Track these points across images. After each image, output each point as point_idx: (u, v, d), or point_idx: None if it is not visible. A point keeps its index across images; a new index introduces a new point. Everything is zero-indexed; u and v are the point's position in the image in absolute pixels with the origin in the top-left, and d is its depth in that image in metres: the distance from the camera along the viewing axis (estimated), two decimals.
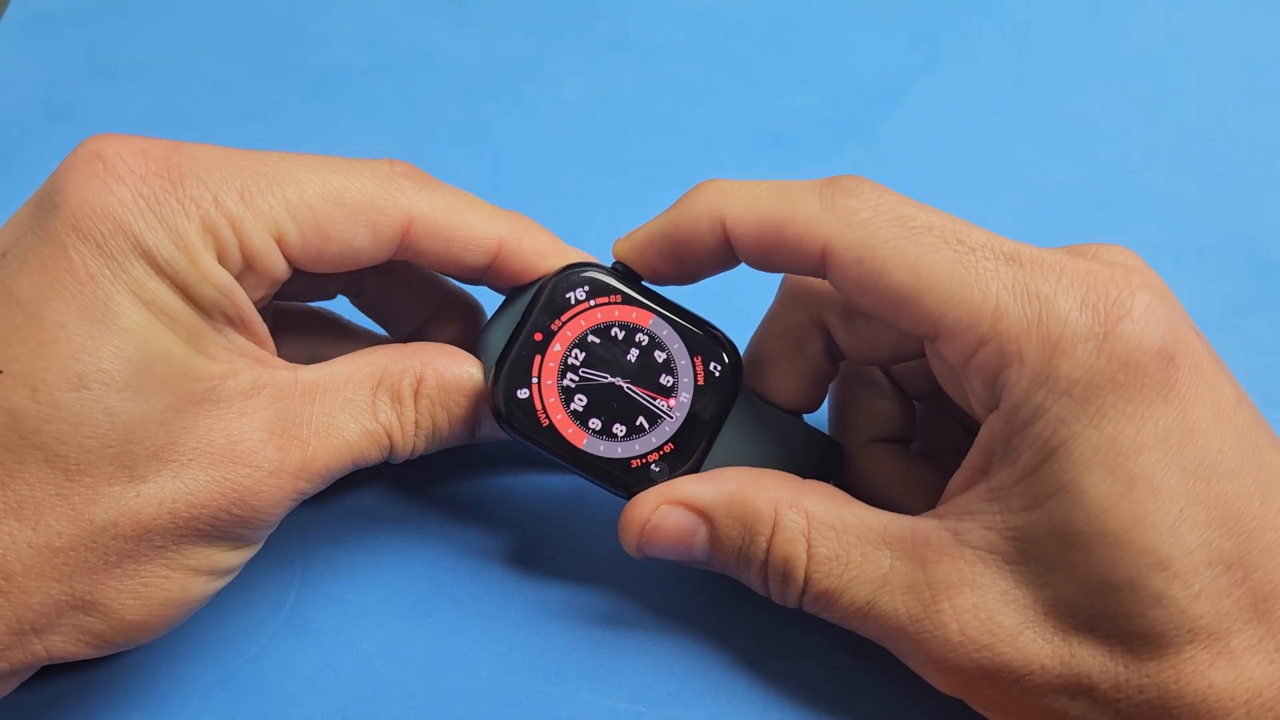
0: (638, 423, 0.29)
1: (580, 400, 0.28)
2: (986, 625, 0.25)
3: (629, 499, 0.29)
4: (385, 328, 0.34)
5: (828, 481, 0.30)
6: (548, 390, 0.28)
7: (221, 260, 0.26)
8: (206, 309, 0.26)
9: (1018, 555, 0.25)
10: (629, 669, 0.31)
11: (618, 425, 0.29)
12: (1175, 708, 0.24)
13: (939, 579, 0.25)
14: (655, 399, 0.29)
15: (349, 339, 0.33)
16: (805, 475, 0.29)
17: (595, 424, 0.28)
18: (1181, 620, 0.24)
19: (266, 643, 0.31)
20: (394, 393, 0.28)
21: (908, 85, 0.45)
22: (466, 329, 0.33)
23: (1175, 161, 0.42)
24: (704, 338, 0.29)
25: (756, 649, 0.31)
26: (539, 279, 0.29)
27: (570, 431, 0.28)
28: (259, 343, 0.27)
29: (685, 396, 0.29)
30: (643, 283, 0.30)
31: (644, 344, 0.29)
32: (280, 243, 0.26)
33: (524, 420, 0.28)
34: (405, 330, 0.33)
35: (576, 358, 0.29)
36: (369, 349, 0.29)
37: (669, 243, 0.28)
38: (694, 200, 0.28)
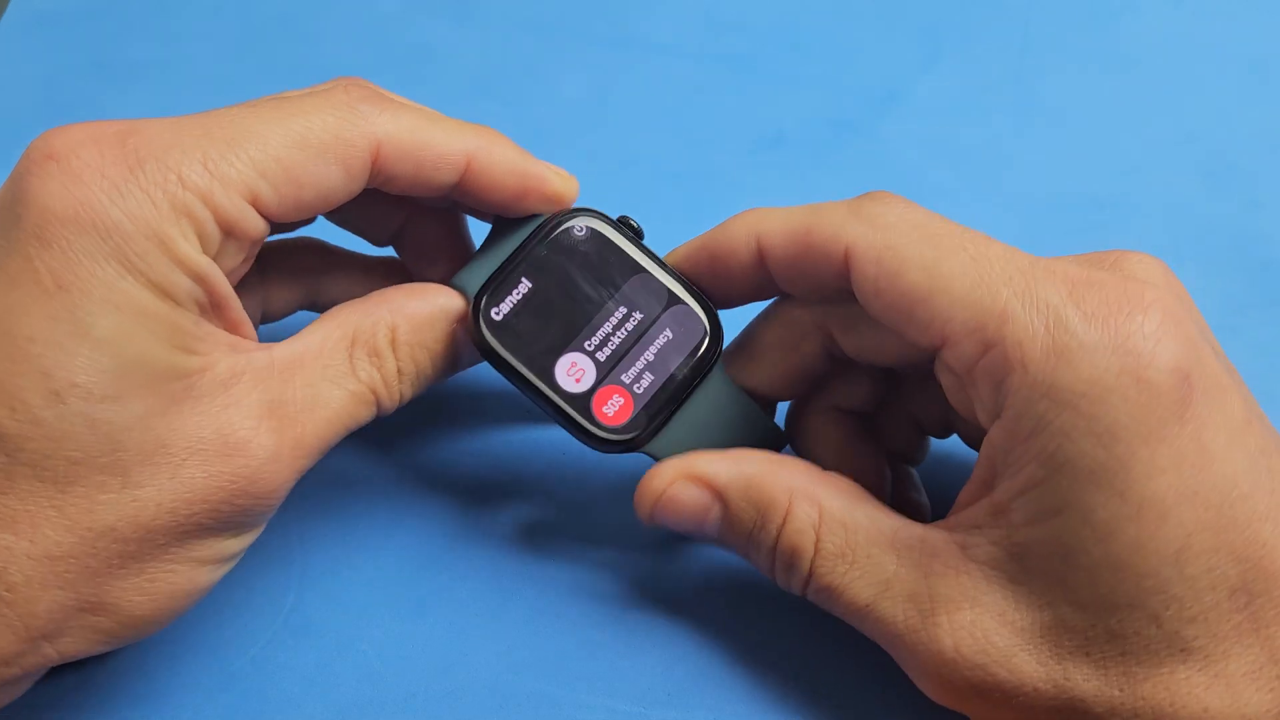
0: (608, 372, 0.29)
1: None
2: (981, 645, 0.25)
3: (583, 442, 0.29)
4: (363, 238, 0.33)
5: None
6: None
7: (199, 237, 0.25)
8: (181, 300, 0.25)
9: (1020, 572, 0.25)
10: (629, 669, 0.31)
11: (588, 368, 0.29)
12: None
13: (941, 592, 0.25)
14: (629, 351, 0.29)
15: (340, 266, 0.33)
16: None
17: (567, 362, 0.29)
18: (1174, 640, 0.23)
19: (266, 643, 0.31)
20: (370, 349, 0.28)
21: (909, 84, 0.45)
22: (443, 227, 0.33)
23: (1176, 161, 0.42)
24: (690, 302, 0.30)
25: (757, 649, 0.31)
26: (536, 216, 0.30)
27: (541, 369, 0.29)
28: (233, 325, 0.27)
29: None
30: (643, 242, 0.30)
31: (629, 298, 0.29)
32: (255, 203, 0.26)
33: (498, 355, 0.29)
34: (383, 237, 0.33)
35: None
36: (335, 310, 0.28)
37: (706, 256, 0.30)
38: (734, 220, 0.30)
